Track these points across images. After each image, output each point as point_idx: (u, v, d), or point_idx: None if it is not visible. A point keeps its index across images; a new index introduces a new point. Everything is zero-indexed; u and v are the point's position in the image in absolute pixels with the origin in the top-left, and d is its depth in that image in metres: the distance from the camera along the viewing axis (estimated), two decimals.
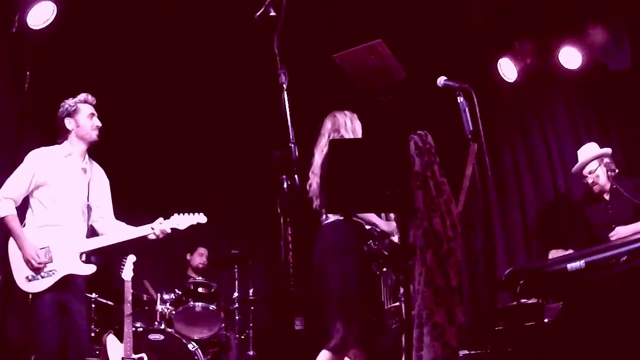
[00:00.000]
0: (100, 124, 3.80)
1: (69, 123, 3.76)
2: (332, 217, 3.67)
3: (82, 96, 3.82)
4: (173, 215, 3.90)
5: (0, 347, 4.32)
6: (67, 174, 3.70)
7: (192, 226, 4.00)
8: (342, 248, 3.53)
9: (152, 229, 3.77)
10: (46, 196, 3.62)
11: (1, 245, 3.62)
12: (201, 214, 4.02)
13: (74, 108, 3.77)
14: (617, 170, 4.48)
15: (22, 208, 3.65)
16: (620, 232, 4.27)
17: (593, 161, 4.58)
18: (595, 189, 4.58)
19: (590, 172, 4.58)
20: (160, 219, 3.84)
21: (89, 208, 3.77)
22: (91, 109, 3.81)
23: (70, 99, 3.82)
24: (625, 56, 4.82)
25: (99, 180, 3.91)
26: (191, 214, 3.97)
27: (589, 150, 4.68)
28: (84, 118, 3.76)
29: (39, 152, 3.70)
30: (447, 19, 5.18)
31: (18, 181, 3.58)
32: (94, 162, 3.90)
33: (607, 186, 4.54)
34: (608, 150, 4.64)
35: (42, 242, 3.53)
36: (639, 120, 4.93)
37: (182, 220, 3.91)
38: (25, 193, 3.60)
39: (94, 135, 3.76)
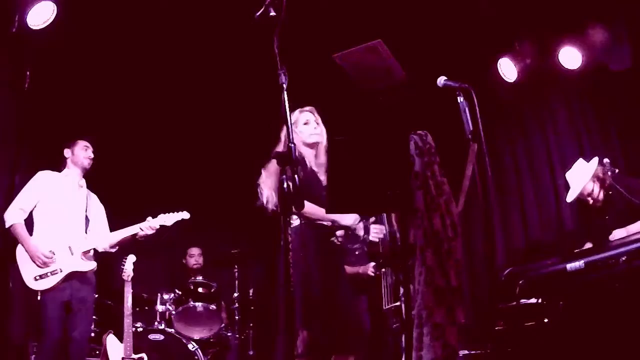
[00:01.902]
0: (92, 156, 4.44)
1: (67, 152, 4.43)
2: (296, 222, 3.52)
3: (81, 136, 4.51)
4: (160, 214, 4.45)
5: (0, 347, 4.36)
6: (65, 188, 4.29)
7: (188, 225, 4.58)
8: (305, 252, 3.39)
9: (141, 228, 4.32)
10: (49, 207, 4.16)
11: (3, 252, 4.11)
12: (184, 212, 4.60)
13: (72, 141, 4.45)
14: (617, 170, 4.45)
15: (30, 221, 4.16)
16: (616, 234, 4.25)
17: (588, 183, 4.48)
18: (596, 204, 4.51)
19: (589, 195, 4.50)
20: (149, 218, 4.37)
21: (86, 219, 4.32)
22: (86, 144, 4.47)
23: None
24: (625, 56, 4.81)
25: (96, 205, 4.47)
26: (176, 212, 4.54)
27: (581, 175, 4.55)
28: (79, 150, 4.43)
29: (45, 173, 4.31)
30: (447, 19, 5.17)
31: (28, 194, 4.16)
32: (90, 191, 4.48)
33: (602, 196, 4.48)
34: (595, 163, 4.51)
35: (47, 246, 4.02)
36: (639, 120, 4.93)
37: (168, 218, 4.47)
38: (33, 204, 4.14)
39: (85, 163, 4.41)
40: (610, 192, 4.44)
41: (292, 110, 2.58)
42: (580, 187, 4.51)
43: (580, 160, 4.68)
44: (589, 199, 4.52)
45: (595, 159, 4.56)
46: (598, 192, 4.47)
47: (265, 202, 3.58)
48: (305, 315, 3.26)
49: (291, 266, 2.38)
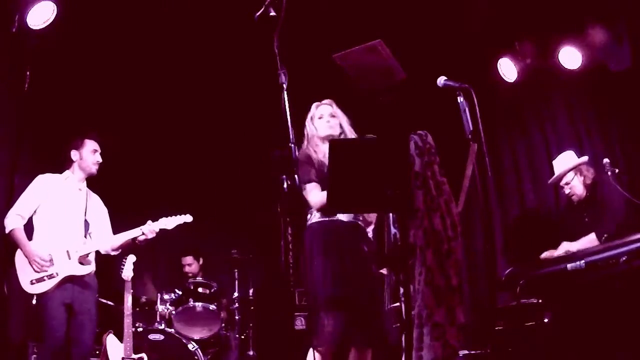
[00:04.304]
0: (100, 160, 4.27)
1: (74, 155, 4.23)
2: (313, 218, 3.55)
3: (89, 134, 4.32)
4: (161, 218, 4.34)
5: (0, 347, 4.36)
6: (65, 193, 4.18)
7: (188, 226, 4.46)
8: (318, 249, 3.43)
9: (142, 231, 4.22)
10: (48, 212, 4.08)
11: (3, 256, 4.12)
12: (187, 215, 4.46)
13: (80, 142, 4.25)
14: (617, 170, 4.47)
15: (30, 225, 4.10)
16: (564, 247, 4.32)
17: (569, 172, 4.62)
18: (574, 199, 4.64)
19: (566, 184, 4.64)
20: (149, 222, 4.27)
21: (86, 223, 4.21)
22: (95, 145, 4.28)
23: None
24: (625, 56, 4.81)
25: (97, 206, 4.37)
26: (178, 215, 4.41)
27: (564, 162, 4.70)
28: (87, 152, 4.24)
29: (44, 177, 4.18)
30: (447, 19, 5.17)
31: (27, 200, 4.08)
32: (92, 192, 4.36)
33: (584, 195, 4.58)
34: (584, 159, 4.67)
35: (45, 251, 3.96)
36: (638, 121, 4.93)
37: (169, 221, 4.36)
38: (33, 209, 4.07)
39: (93, 169, 4.26)
40: (588, 194, 4.52)
41: (291, 110, 2.58)
42: (561, 170, 4.65)
43: (570, 151, 4.79)
44: (566, 188, 4.64)
45: (585, 157, 4.70)
46: (581, 188, 4.56)
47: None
48: (328, 307, 3.29)
49: (291, 266, 2.38)
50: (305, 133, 3.70)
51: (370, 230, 5.40)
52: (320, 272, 3.35)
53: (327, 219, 3.48)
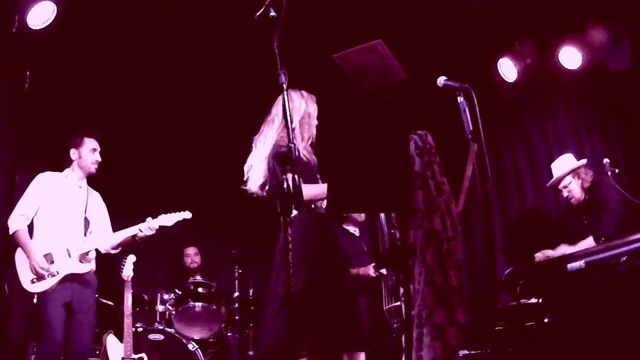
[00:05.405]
0: (100, 159, 4.26)
1: (73, 154, 4.24)
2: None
3: (89, 133, 4.29)
4: (160, 215, 4.32)
5: (0, 347, 4.36)
6: (65, 191, 4.19)
7: (188, 225, 4.47)
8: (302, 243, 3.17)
9: (140, 229, 4.21)
10: (48, 210, 4.09)
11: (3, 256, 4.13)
12: (186, 211, 4.45)
13: (79, 141, 4.24)
14: (617, 170, 4.46)
15: (30, 223, 4.10)
16: (562, 249, 4.30)
17: (567, 176, 4.62)
18: (572, 202, 4.64)
19: (564, 187, 4.64)
20: (149, 219, 4.25)
21: (86, 220, 4.21)
22: (94, 144, 4.26)
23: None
24: (625, 56, 4.81)
25: (97, 204, 4.37)
26: (177, 212, 4.41)
27: (562, 165, 4.70)
28: (86, 152, 4.23)
29: (44, 175, 4.19)
30: (447, 19, 5.17)
31: (29, 200, 4.08)
32: (92, 190, 4.37)
33: (583, 198, 4.58)
34: (583, 162, 4.66)
35: (45, 249, 3.98)
36: (639, 120, 4.93)
37: (168, 219, 4.34)
38: (36, 209, 4.07)
39: (92, 168, 4.26)
40: (587, 197, 4.51)
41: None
42: (559, 174, 4.65)
43: (569, 154, 4.79)
44: (565, 191, 4.65)
45: (584, 160, 4.70)
46: (579, 192, 4.57)
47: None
48: (313, 312, 3.12)
49: (291, 267, 2.37)
50: (300, 131, 3.46)
51: (357, 230, 5.40)
52: (296, 269, 3.05)
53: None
